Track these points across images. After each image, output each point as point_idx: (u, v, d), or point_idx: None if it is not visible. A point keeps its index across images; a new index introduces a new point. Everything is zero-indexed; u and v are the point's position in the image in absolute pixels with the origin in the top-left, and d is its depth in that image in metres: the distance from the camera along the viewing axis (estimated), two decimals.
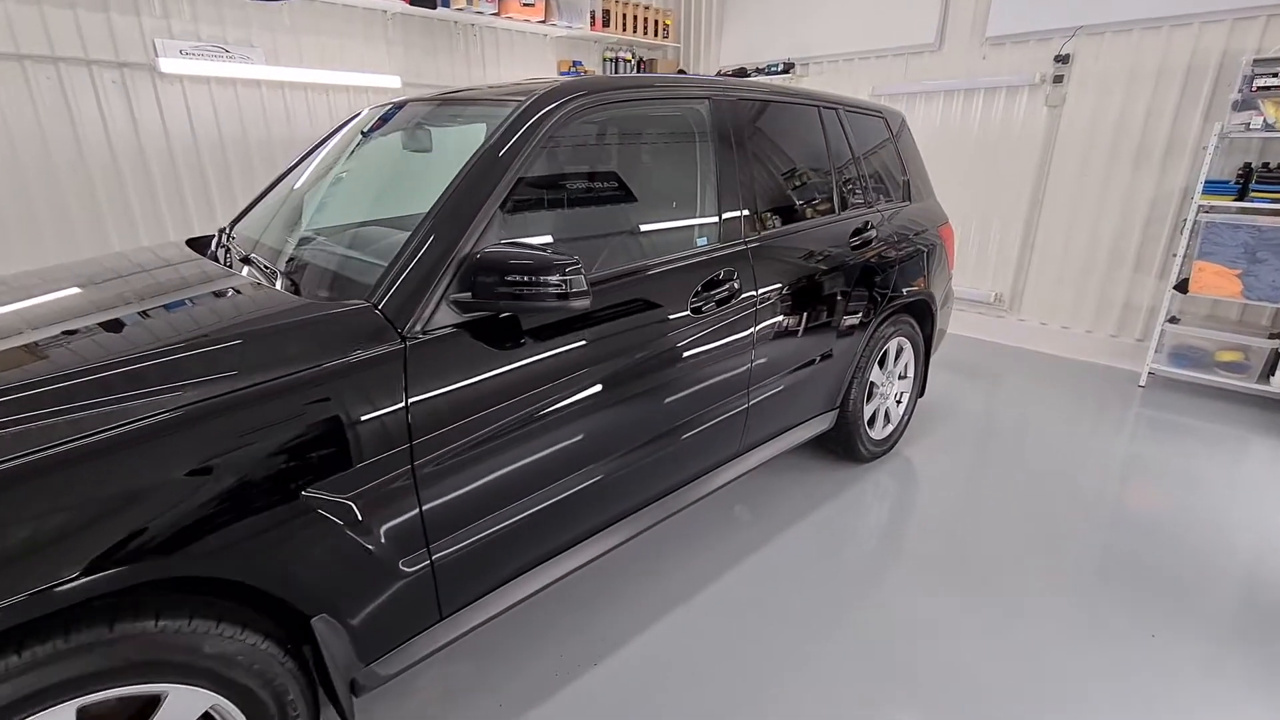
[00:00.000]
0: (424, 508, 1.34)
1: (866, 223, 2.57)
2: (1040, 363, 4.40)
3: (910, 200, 2.96)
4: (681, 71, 6.50)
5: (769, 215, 2.16)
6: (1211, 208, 3.55)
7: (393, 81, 4.59)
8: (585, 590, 2.12)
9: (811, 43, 5.40)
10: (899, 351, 2.92)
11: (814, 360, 2.37)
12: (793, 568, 2.24)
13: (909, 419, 3.12)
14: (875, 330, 2.65)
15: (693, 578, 2.19)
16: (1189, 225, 3.62)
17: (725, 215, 2.01)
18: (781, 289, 2.14)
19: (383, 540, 1.28)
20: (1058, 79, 4.18)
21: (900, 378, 3.01)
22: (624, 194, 1.86)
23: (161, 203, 3.91)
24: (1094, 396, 3.81)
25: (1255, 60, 3.33)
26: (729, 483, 2.23)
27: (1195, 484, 2.84)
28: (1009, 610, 2.05)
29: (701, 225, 2.00)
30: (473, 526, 1.46)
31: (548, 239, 1.72)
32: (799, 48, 5.50)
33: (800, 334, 2.27)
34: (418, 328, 1.33)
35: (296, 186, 2.08)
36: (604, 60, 5.98)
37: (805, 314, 2.26)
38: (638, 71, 6.19)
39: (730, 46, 6.06)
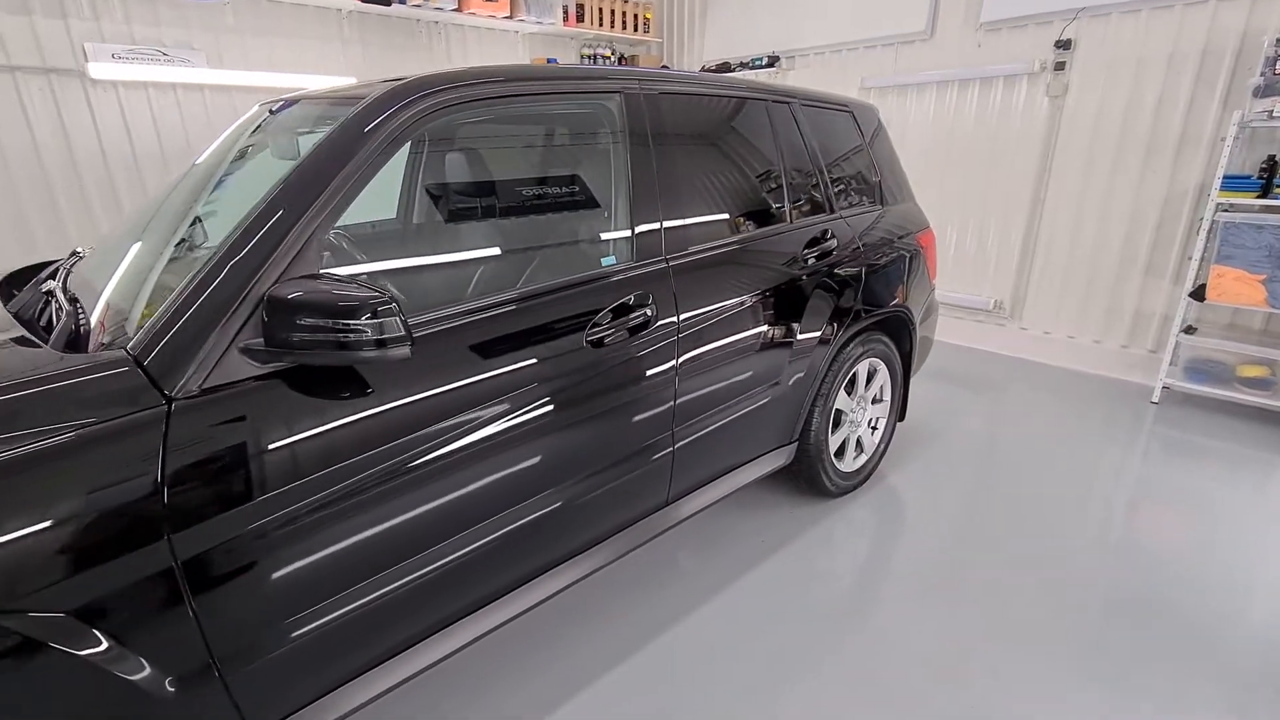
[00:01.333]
0: (199, 613, 1.07)
1: (825, 231, 2.26)
2: (1043, 375, 4.04)
3: (884, 204, 2.64)
4: (664, 67, 6.20)
5: (697, 227, 1.86)
6: (1231, 206, 3.19)
7: (348, 83, 4.34)
8: (479, 665, 1.83)
9: (797, 35, 5.07)
10: (871, 374, 2.61)
11: (759, 390, 2.07)
12: (737, 631, 1.94)
13: (886, 447, 2.79)
14: (839, 352, 2.34)
15: (609, 648, 1.88)
16: (1206, 225, 3.26)
17: (640, 229, 1.71)
18: (712, 312, 1.84)
19: (139, 660, 1.01)
20: (1059, 66, 3.82)
21: (875, 401, 2.69)
22: (510, 208, 1.58)
23: (99, 215, 3.70)
24: (1102, 413, 3.46)
25: (1279, 40, 2.97)
26: (659, 535, 1.94)
27: (1215, 513, 2.51)
28: (999, 680, 1.73)
29: (611, 241, 1.71)
30: (287, 624, 1.19)
31: (414, 264, 1.45)
32: (784, 40, 5.18)
33: (739, 362, 1.96)
34: (194, 385, 1.06)
35: (154, 204, 1.82)
36: (581, 57, 5.71)
37: (745, 339, 1.96)
38: None
39: (714, 40, 5.76)
